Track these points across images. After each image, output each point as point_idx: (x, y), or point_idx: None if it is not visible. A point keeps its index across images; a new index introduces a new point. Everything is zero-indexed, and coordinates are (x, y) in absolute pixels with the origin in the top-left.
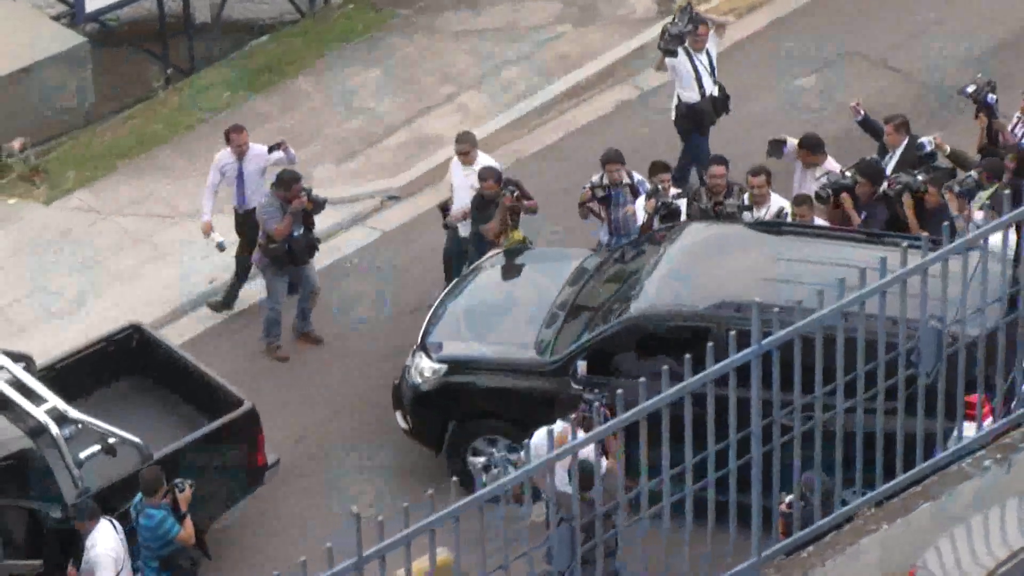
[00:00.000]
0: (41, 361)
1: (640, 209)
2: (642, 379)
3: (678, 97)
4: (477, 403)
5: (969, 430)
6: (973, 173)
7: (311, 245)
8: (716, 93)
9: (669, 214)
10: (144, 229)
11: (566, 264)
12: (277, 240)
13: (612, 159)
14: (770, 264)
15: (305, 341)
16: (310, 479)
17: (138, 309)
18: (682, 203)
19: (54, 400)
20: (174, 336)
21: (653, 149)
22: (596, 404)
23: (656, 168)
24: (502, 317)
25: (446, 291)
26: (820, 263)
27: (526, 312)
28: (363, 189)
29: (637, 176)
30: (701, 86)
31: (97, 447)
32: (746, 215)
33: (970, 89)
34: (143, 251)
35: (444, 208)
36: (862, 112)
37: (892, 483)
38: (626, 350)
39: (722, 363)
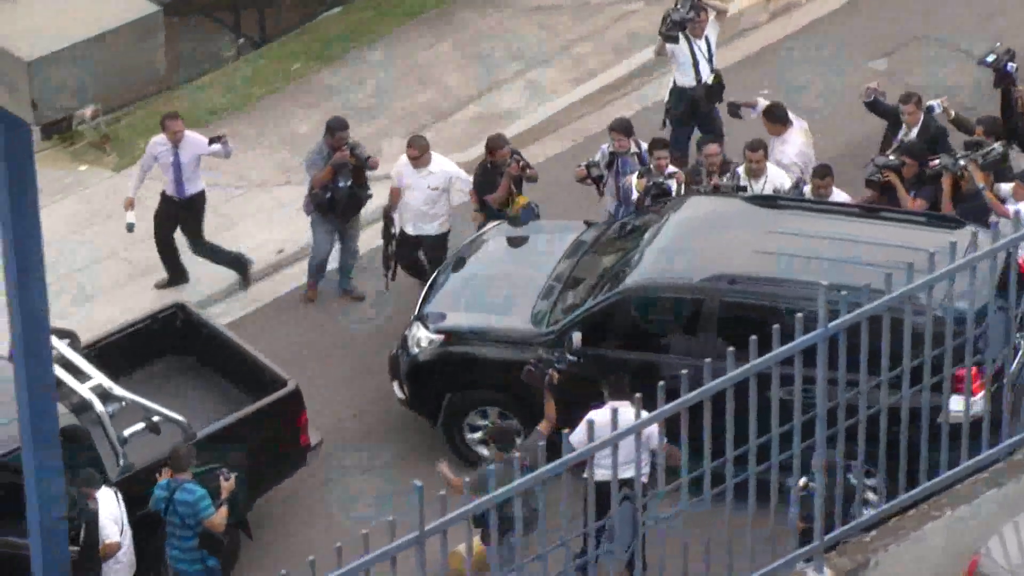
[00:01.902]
0: (86, 338)
1: (633, 187)
2: (707, 360)
3: (674, 82)
4: (473, 373)
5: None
6: (997, 146)
7: (356, 201)
8: (711, 81)
9: (660, 193)
10: (212, 198)
11: (564, 237)
12: (316, 188)
13: (616, 128)
14: (766, 237)
15: (346, 298)
16: (360, 454)
17: (203, 280)
18: (673, 184)
19: (99, 377)
20: (236, 308)
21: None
22: (550, 368)
23: (655, 144)
24: (499, 288)
25: (445, 263)
26: (816, 237)
27: (523, 284)
28: None
29: (645, 145)
30: (697, 72)
31: (141, 425)
32: (743, 189)
33: (990, 59)
34: (210, 220)
35: (387, 213)
36: (873, 95)
37: (958, 469)
38: (621, 321)
39: (788, 345)
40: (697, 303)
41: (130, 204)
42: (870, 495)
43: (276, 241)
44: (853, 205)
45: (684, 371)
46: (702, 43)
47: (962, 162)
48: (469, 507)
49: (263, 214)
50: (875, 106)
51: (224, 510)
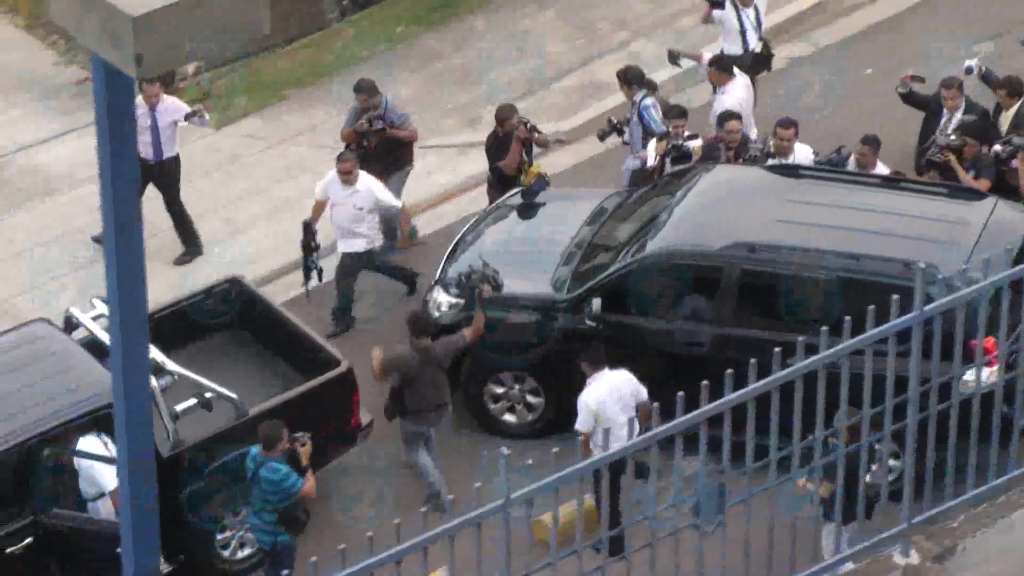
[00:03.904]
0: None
1: (651, 151)
2: (800, 338)
3: (722, 50)
4: (493, 338)
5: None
6: None
7: (369, 162)
8: (759, 50)
9: (680, 156)
10: (309, 159)
11: (586, 204)
12: (343, 141)
13: (619, 76)
14: (787, 207)
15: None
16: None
17: (296, 240)
18: (692, 145)
19: (152, 351)
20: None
21: (822, 110)
22: (484, 283)
23: (672, 112)
24: (520, 254)
25: (466, 227)
26: (837, 207)
27: (544, 250)
28: None
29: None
30: (745, 40)
31: (193, 401)
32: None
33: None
34: (305, 182)
35: (308, 225)
36: (908, 86)
37: None
38: (641, 288)
39: (881, 327)
40: (717, 271)
41: None
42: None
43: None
44: (876, 175)
45: (777, 349)
46: (750, 11)
47: None
48: (556, 475)
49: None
50: (909, 97)
51: (311, 475)
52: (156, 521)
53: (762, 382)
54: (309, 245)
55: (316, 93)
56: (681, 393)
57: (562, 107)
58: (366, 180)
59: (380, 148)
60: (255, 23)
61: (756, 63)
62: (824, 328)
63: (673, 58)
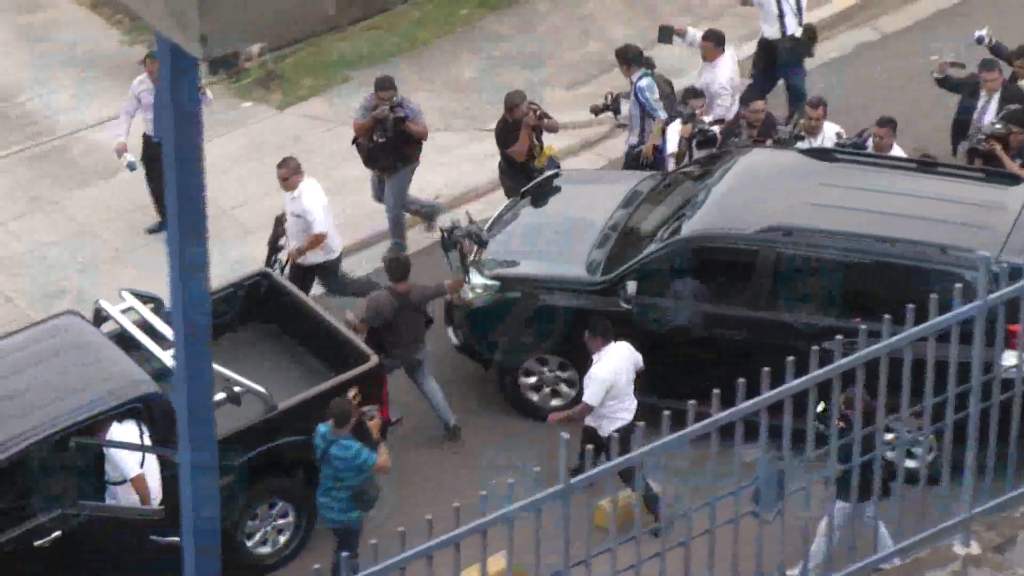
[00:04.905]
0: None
1: (674, 133)
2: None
3: (762, 34)
4: (527, 320)
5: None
6: None
7: (382, 154)
8: (798, 34)
9: (705, 140)
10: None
11: (620, 186)
12: (358, 137)
13: (618, 55)
14: (822, 190)
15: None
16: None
17: (359, 223)
18: (716, 129)
19: None
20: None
21: (887, 93)
22: (465, 238)
23: (689, 93)
24: (555, 236)
25: (501, 209)
26: (872, 190)
27: (579, 232)
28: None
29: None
30: (783, 24)
31: (222, 395)
32: (799, 145)
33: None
34: None
35: (273, 245)
36: (945, 71)
37: None
38: (676, 271)
39: (944, 316)
40: (752, 254)
41: (123, 147)
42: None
43: (436, 185)
44: (909, 159)
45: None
46: None
47: None
48: (617, 461)
49: (423, 158)
50: (946, 82)
51: (384, 448)
52: (218, 522)
53: (824, 369)
54: (275, 242)
55: (379, 74)
56: (742, 380)
57: (625, 91)
58: (305, 187)
59: (390, 143)
60: (320, 4)
61: (795, 48)
62: (887, 316)
63: (667, 36)
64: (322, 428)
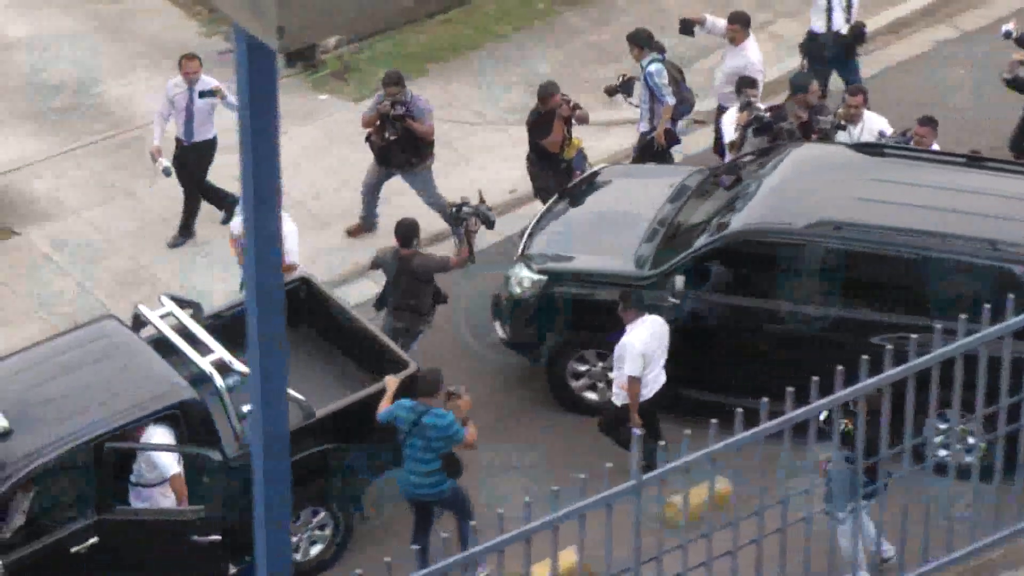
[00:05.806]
0: (209, 309)
1: (730, 123)
2: (939, 326)
3: (811, 28)
4: (575, 314)
5: None
6: None
7: (389, 152)
8: (844, 31)
9: (762, 127)
10: (449, 133)
11: (668, 181)
12: (363, 127)
13: (630, 39)
14: (871, 185)
15: None
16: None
17: (426, 215)
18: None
19: (220, 350)
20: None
21: (963, 91)
22: (473, 216)
23: (743, 83)
24: (603, 231)
25: (548, 204)
26: (921, 185)
27: (626, 227)
28: None
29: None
30: (830, 20)
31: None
32: (841, 135)
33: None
34: (445, 155)
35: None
36: (1015, 71)
37: None
38: (725, 265)
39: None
40: (801, 249)
41: (158, 151)
42: None
43: (508, 180)
44: (958, 155)
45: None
46: None
47: None
48: (688, 458)
49: (497, 152)
50: (1014, 82)
51: (472, 426)
52: (288, 521)
53: (898, 368)
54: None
55: (456, 68)
56: (816, 378)
57: (701, 87)
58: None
59: (401, 142)
60: None
61: (836, 44)
62: (963, 316)
63: (686, 27)
64: (407, 402)
